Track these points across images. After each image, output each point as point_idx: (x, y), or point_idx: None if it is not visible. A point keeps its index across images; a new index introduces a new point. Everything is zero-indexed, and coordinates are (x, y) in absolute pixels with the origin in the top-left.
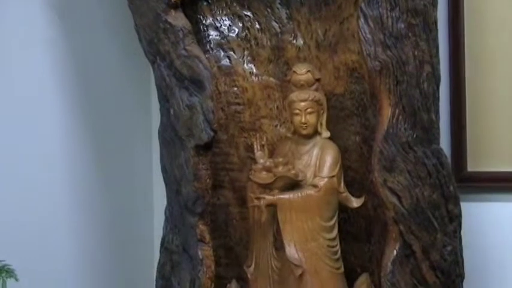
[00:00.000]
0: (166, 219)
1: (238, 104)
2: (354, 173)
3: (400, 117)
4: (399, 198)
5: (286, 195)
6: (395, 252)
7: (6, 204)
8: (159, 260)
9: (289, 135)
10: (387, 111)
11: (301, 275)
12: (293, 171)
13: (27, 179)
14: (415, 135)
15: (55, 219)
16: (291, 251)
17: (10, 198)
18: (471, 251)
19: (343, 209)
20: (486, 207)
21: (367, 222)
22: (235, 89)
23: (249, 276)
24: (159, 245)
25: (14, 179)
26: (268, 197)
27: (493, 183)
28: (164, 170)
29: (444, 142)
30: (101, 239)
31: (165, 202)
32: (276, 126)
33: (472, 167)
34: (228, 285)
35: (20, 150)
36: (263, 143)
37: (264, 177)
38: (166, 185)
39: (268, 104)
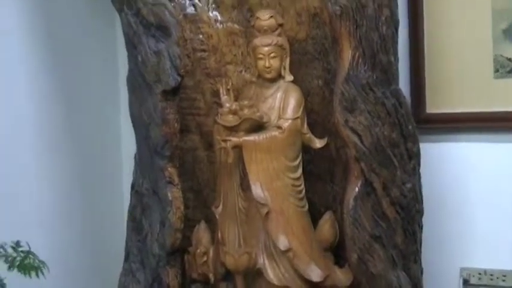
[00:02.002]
0: (136, 164)
1: (204, 50)
2: (316, 115)
3: (360, 59)
4: (360, 137)
5: (251, 137)
6: (357, 189)
7: None
8: (130, 202)
9: (253, 79)
10: (348, 54)
11: (267, 214)
12: (258, 114)
13: None
14: (374, 77)
15: (25, 168)
16: (257, 190)
17: None
18: (430, 188)
19: (306, 151)
20: (444, 147)
21: (330, 163)
22: (201, 36)
23: (217, 216)
24: (129, 190)
25: None
26: (234, 139)
27: (451, 124)
28: (133, 116)
29: (404, 84)
30: (72, 186)
31: (133, 148)
32: (241, 71)
33: (430, 108)
34: (197, 226)
35: None
36: (229, 87)
37: (230, 119)
38: (135, 130)
39: (233, 50)
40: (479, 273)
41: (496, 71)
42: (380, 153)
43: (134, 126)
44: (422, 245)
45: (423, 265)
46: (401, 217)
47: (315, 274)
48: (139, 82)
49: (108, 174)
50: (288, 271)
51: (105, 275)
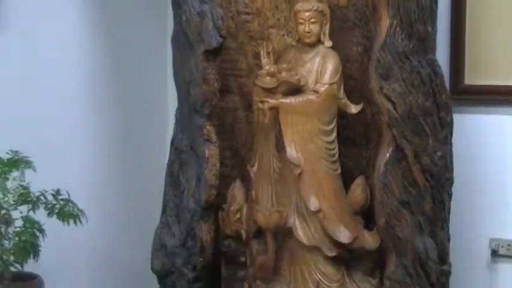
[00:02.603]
0: (177, 121)
1: (248, 13)
2: (354, 81)
3: (398, 28)
4: (393, 104)
5: (288, 99)
6: (388, 155)
7: (28, 106)
8: (169, 158)
9: (293, 43)
10: (385, 22)
11: (300, 174)
12: (296, 77)
13: (48, 84)
14: (411, 46)
15: (73, 121)
16: (291, 151)
17: (32, 101)
18: (465, 159)
19: (343, 116)
20: (481, 119)
21: (365, 128)
22: None
23: (252, 175)
24: None
25: (34, 84)
26: (272, 101)
27: (488, 96)
28: (175, 74)
29: (443, 55)
30: (116, 141)
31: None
32: (283, 35)
33: (469, 80)
34: (232, 184)
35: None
36: (269, 50)
37: (268, 81)
38: (177, 88)
39: (276, 14)
40: (508, 245)
41: None
42: (412, 121)
43: (176, 84)
44: (454, 214)
45: (453, 234)
46: (431, 185)
47: (344, 235)
48: (182, 42)
49: (153, 130)
50: (317, 232)
51: (143, 227)
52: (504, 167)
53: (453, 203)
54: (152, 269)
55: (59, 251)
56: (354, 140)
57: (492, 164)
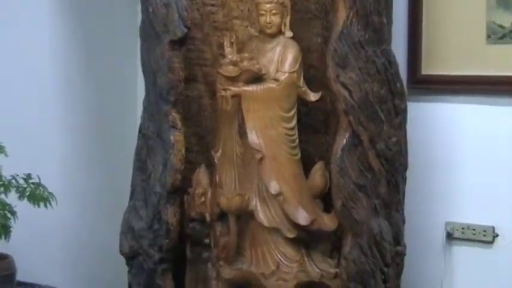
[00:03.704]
0: (144, 108)
1: (213, 5)
2: (315, 71)
3: (354, 19)
4: (350, 92)
5: (250, 87)
6: (344, 140)
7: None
8: (137, 144)
9: (256, 34)
10: (342, 14)
11: (261, 159)
12: (257, 66)
13: (19, 70)
14: (366, 36)
15: (45, 106)
16: (253, 137)
17: (4, 86)
18: (421, 145)
19: (304, 103)
20: (437, 107)
21: (325, 116)
22: None
23: (216, 160)
24: None
25: (5, 69)
26: (234, 88)
27: (445, 86)
28: (143, 63)
29: (401, 46)
30: (87, 128)
31: None
32: (247, 26)
33: (426, 70)
34: (198, 168)
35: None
36: (232, 40)
37: (230, 70)
38: (145, 77)
39: (240, 5)
40: (463, 228)
41: (488, 37)
42: (368, 108)
43: (144, 73)
44: (411, 198)
45: (410, 218)
46: (386, 169)
47: (302, 218)
48: (149, 32)
49: (124, 117)
50: (278, 214)
51: (113, 210)
52: (459, 153)
53: (410, 188)
54: (120, 251)
55: (31, 233)
56: (314, 126)
57: (448, 150)
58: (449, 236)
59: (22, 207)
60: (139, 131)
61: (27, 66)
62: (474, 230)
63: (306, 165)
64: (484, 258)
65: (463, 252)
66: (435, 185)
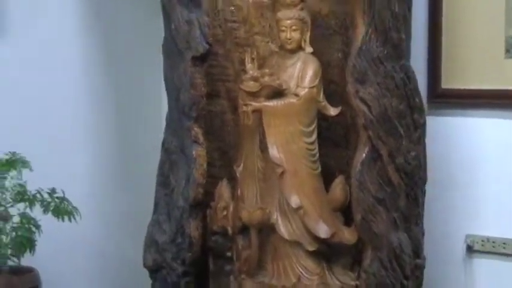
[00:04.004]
0: (167, 124)
1: (234, 21)
2: (335, 85)
3: (373, 35)
4: (369, 107)
5: (270, 103)
6: (364, 155)
7: (26, 108)
8: (160, 159)
9: (276, 49)
10: (361, 30)
11: (282, 174)
12: (277, 81)
13: (44, 86)
14: (385, 52)
15: (70, 122)
16: (273, 152)
17: (29, 103)
18: (442, 159)
19: (325, 118)
20: (457, 121)
21: (345, 130)
22: (232, 7)
23: (237, 175)
24: None
25: (31, 85)
26: (255, 104)
27: (464, 100)
28: (166, 80)
29: (421, 61)
30: (113, 144)
31: None
32: (268, 42)
33: (445, 84)
34: (220, 183)
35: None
36: (253, 56)
37: (251, 85)
38: (168, 93)
39: (261, 22)
40: (483, 240)
41: (507, 51)
42: (387, 123)
43: (167, 89)
44: (431, 212)
45: (430, 231)
46: (405, 183)
47: (323, 231)
48: (172, 49)
49: (147, 132)
50: (298, 227)
51: (138, 224)
52: (479, 166)
53: (431, 201)
54: (144, 264)
55: (56, 246)
56: (334, 141)
57: (468, 163)
58: (470, 249)
59: (47, 221)
60: (162, 146)
61: (54, 83)
62: (494, 242)
63: (327, 179)
64: (504, 271)
65: (483, 265)
66: (456, 198)
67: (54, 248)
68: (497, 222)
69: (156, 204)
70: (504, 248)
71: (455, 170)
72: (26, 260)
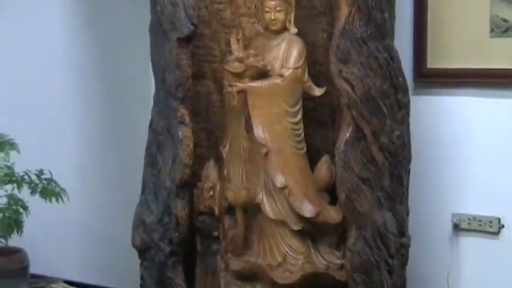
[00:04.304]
0: (154, 104)
1: (220, 2)
2: (320, 66)
3: (356, 15)
4: (352, 86)
5: (255, 83)
6: (348, 134)
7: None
8: (148, 139)
9: (261, 30)
10: (344, 10)
11: (266, 153)
12: (262, 62)
13: (33, 68)
14: (368, 32)
15: (59, 104)
16: (258, 132)
17: (18, 85)
18: (428, 138)
19: (310, 98)
20: (443, 100)
21: (331, 110)
22: None
23: (223, 155)
24: None
25: (19, 67)
26: (240, 84)
27: (450, 79)
28: (153, 61)
29: (406, 41)
30: (102, 127)
31: None
32: (254, 23)
33: (431, 63)
34: (207, 163)
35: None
36: (238, 37)
37: (236, 66)
38: (154, 74)
39: (247, 3)
40: (469, 219)
41: (492, 30)
42: (371, 102)
43: (154, 70)
44: (418, 191)
45: (417, 210)
46: (389, 162)
47: (308, 210)
48: (158, 30)
49: (136, 112)
50: (284, 207)
51: (126, 205)
52: (465, 145)
53: (417, 180)
54: (133, 244)
55: (45, 227)
56: (321, 121)
57: (454, 142)
58: (456, 227)
59: (37, 202)
60: (150, 127)
61: (43, 64)
62: (480, 221)
63: (313, 159)
64: (489, 249)
65: (469, 243)
66: (442, 177)
67: (42, 229)
68: (483, 200)
69: (143, 185)
70: (490, 226)
71: (442, 149)
72: (15, 241)
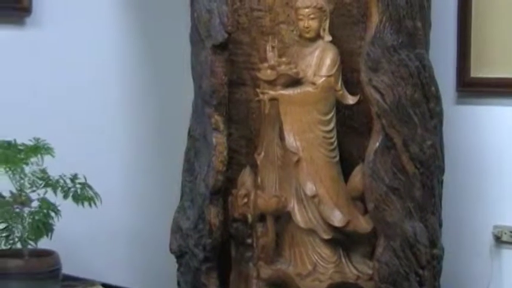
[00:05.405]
0: (193, 111)
1: (260, 10)
2: (358, 74)
3: (387, 23)
4: (382, 95)
5: (287, 91)
6: (377, 143)
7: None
8: (186, 146)
9: (296, 38)
10: (375, 18)
11: (297, 162)
12: (294, 70)
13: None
14: (400, 40)
15: (105, 108)
16: (290, 140)
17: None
18: (470, 148)
19: (348, 106)
20: (486, 111)
21: (368, 119)
22: None
23: (258, 162)
24: None
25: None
26: (271, 92)
27: (493, 88)
28: (192, 68)
29: (450, 49)
30: (143, 134)
31: None
32: (292, 30)
33: (475, 72)
34: (243, 170)
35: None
36: (274, 44)
37: (268, 74)
38: (193, 81)
39: (286, 10)
40: (511, 231)
41: None
42: (401, 111)
43: (193, 77)
44: (458, 201)
45: (458, 221)
46: (420, 172)
47: (337, 219)
48: (195, 37)
49: (179, 121)
50: (314, 215)
51: (165, 211)
52: (507, 155)
53: (458, 191)
54: (170, 250)
55: (81, 232)
56: (357, 129)
57: (496, 152)
58: (497, 239)
59: (74, 206)
60: (188, 133)
61: (82, 68)
62: None
63: (349, 167)
64: None
65: (510, 256)
66: (484, 188)
67: (79, 233)
68: None
69: (182, 191)
70: None
71: (484, 159)
72: (50, 244)
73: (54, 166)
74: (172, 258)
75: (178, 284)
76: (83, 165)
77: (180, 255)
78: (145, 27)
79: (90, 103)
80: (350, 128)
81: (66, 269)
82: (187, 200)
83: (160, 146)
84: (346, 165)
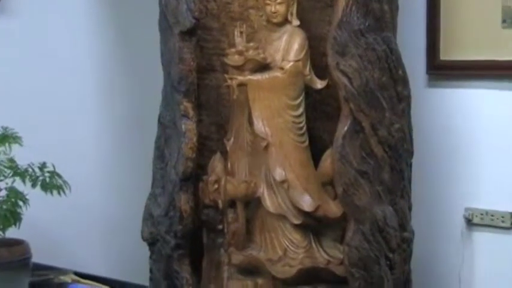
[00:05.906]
0: (162, 98)
1: None
2: (327, 59)
3: (353, 7)
4: (350, 79)
5: (255, 76)
6: (345, 127)
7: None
8: (157, 133)
9: (264, 23)
10: (342, 2)
11: (266, 147)
12: (262, 55)
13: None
14: (367, 24)
15: (78, 96)
16: (259, 125)
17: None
18: (441, 131)
19: (318, 91)
20: (456, 93)
21: (338, 103)
22: None
23: (227, 148)
24: None
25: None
26: (239, 78)
27: (463, 71)
28: (161, 55)
29: (419, 32)
30: (113, 123)
31: None
32: (262, 16)
33: (444, 55)
34: (213, 156)
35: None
36: (242, 30)
37: (235, 59)
38: (163, 68)
39: None
40: (482, 214)
41: (504, 21)
42: (369, 95)
43: (162, 64)
44: (429, 184)
45: (428, 204)
46: (389, 155)
47: (307, 204)
48: (164, 24)
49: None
50: (284, 201)
51: (136, 201)
52: (478, 138)
53: (429, 174)
54: (142, 237)
55: (53, 219)
56: (328, 113)
57: (467, 135)
58: (468, 222)
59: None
60: (158, 120)
61: (51, 55)
62: (493, 215)
63: (321, 152)
64: (502, 244)
65: (482, 238)
66: (454, 171)
67: (50, 222)
68: (495, 195)
69: (153, 178)
70: (503, 221)
71: (454, 142)
72: (23, 234)
73: (29, 155)
74: (145, 246)
75: (151, 271)
76: (56, 153)
77: (152, 242)
78: (117, 15)
79: (62, 91)
80: (321, 112)
81: (39, 259)
82: (158, 187)
83: (133, 133)
84: (317, 150)
